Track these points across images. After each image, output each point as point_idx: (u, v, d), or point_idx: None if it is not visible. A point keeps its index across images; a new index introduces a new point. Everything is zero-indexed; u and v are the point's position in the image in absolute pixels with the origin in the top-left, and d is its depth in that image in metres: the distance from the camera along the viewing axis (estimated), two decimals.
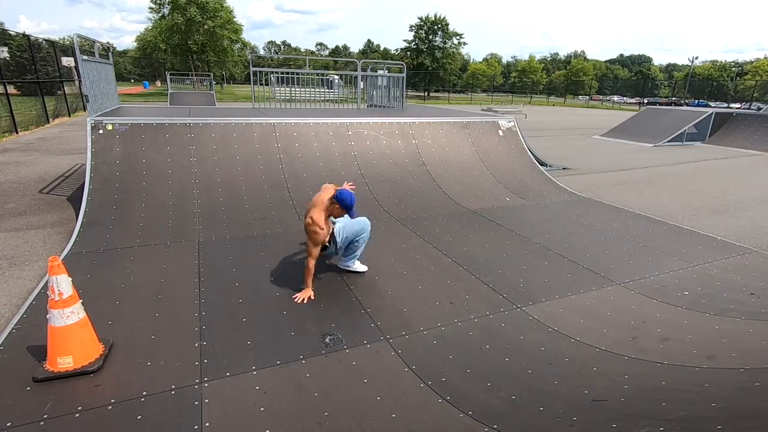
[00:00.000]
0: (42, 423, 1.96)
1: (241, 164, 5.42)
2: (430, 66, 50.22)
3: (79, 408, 2.06)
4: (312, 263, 3.16)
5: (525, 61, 69.58)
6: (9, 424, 1.95)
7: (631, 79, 69.76)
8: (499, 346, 2.71)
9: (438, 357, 2.58)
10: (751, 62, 57.67)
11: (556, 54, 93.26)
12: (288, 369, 2.41)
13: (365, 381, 2.34)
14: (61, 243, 4.18)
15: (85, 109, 11.53)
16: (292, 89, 9.59)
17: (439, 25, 50.26)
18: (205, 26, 34.93)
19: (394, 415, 2.10)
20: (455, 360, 2.55)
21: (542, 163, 7.79)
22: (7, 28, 33.55)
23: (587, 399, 2.22)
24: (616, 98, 55.07)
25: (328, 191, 3.24)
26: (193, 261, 3.75)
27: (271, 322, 2.86)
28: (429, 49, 50.68)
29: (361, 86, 10.33)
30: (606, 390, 2.29)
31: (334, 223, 3.37)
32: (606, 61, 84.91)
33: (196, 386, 2.24)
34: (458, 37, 51.49)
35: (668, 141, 13.07)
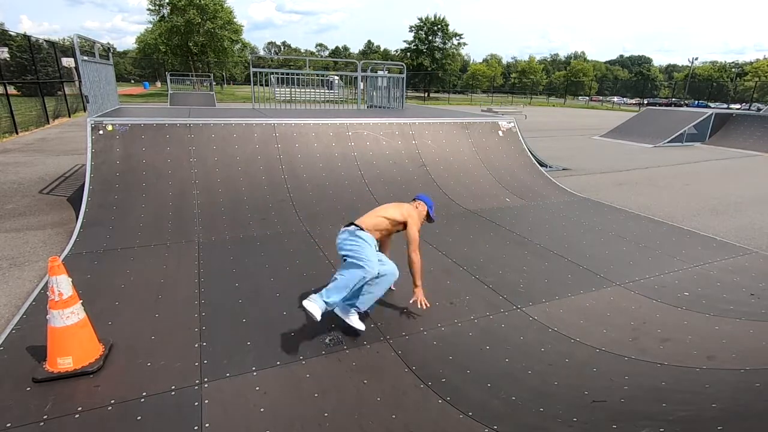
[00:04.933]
0: (42, 423, 1.96)
1: (241, 165, 5.42)
2: (430, 67, 50.25)
3: (79, 408, 2.06)
4: (419, 255, 2.90)
5: (525, 61, 69.52)
6: (9, 424, 1.95)
7: (631, 79, 69.66)
8: (499, 347, 2.71)
9: (438, 357, 2.58)
10: (751, 63, 57.67)
11: (556, 55, 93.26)
12: (288, 369, 2.41)
13: (365, 381, 2.34)
14: (61, 243, 4.18)
15: (85, 109, 11.53)
16: (292, 90, 9.60)
17: (439, 26, 50.28)
18: (205, 27, 34.95)
19: (394, 416, 2.10)
20: (455, 360, 2.55)
21: (542, 164, 7.79)
22: (8, 29, 33.56)
23: (587, 399, 2.22)
24: (616, 99, 55.06)
25: (397, 208, 3.03)
26: (193, 261, 3.75)
27: (271, 323, 2.86)
28: (429, 50, 50.67)
29: (361, 87, 10.34)
30: (606, 390, 2.29)
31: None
32: (606, 62, 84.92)
33: (196, 387, 2.24)
34: (458, 38, 51.60)
35: (668, 142, 13.08)
